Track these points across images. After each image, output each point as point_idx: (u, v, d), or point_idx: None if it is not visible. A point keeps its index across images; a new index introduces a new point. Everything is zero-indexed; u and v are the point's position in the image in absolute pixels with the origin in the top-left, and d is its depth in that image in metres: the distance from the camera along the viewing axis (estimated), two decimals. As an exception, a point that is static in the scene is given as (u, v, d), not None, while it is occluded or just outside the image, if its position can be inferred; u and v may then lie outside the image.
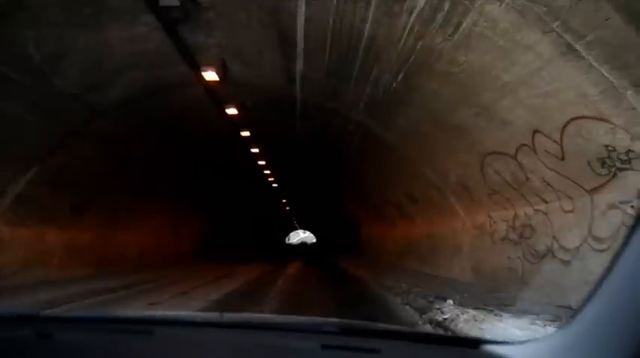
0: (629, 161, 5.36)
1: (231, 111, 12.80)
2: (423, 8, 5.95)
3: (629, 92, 4.83)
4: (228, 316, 1.67)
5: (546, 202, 7.56)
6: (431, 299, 8.46)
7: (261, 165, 20.90)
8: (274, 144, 17.09)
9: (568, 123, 5.96)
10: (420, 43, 6.84)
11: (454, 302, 7.62)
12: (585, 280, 6.00)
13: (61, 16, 7.08)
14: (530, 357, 1.04)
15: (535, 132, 6.73)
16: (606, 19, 4.35)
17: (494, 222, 9.63)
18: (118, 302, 9.41)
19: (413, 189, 13.73)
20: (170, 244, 23.32)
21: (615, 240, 5.60)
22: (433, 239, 13.90)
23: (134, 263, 18.29)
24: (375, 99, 9.89)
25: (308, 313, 5.62)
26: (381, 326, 1.57)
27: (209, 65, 9.77)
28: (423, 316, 7.24)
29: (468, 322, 6.07)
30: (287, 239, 77.69)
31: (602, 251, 5.97)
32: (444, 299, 8.14)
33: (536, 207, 7.85)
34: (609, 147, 5.52)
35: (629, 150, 5.31)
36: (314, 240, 68.65)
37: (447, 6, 5.69)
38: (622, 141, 5.30)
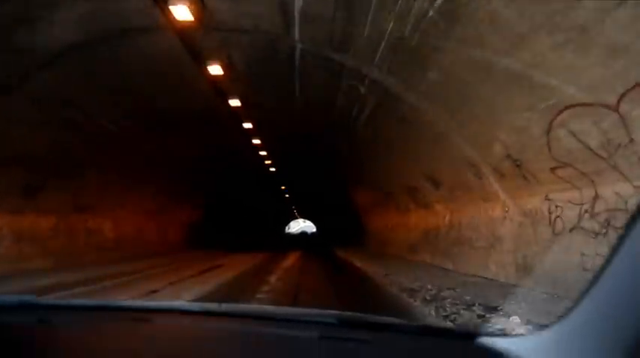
0: None
1: (215, 69, 10.29)
2: None
3: None
4: (226, 306, 1.62)
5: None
6: (479, 311, 6.05)
7: (256, 145, 18.41)
8: (270, 118, 14.60)
9: None
10: None
11: (520, 319, 5.20)
12: None
13: None
14: (528, 350, 1.01)
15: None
16: None
17: (557, 207, 7.15)
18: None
19: (436, 168, 11.25)
20: (155, 232, 20.95)
21: None
22: (458, 229, 11.46)
23: (109, 253, 15.91)
24: (399, 43, 7.38)
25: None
26: (377, 318, 1.49)
27: (178, -5, 7.30)
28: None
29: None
30: (287, 228, 75.47)
31: None
32: (500, 311, 5.74)
33: (638, 183, 5.39)
34: None
35: None
36: (314, 230, 66.84)
37: None
38: None
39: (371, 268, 12.95)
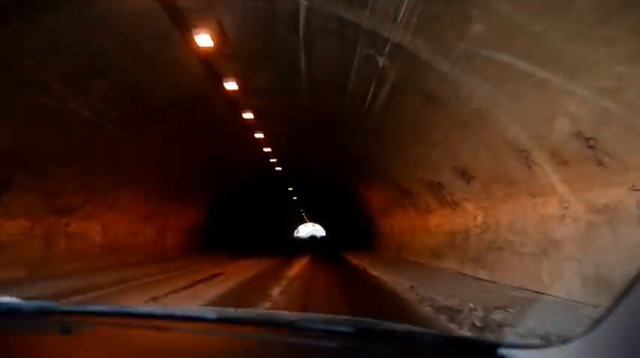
0: None
1: (203, 40, 8.47)
2: None
3: None
4: (245, 312, 1.68)
5: None
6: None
7: (259, 140, 16.58)
8: (272, 105, 12.77)
9: None
10: None
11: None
12: None
13: None
14: None
15: None
16: None
17: (653, 200, 5.25)
18: None
19: (468, 158, 9.35)
20: (151, 236, 19.17)
21: None
22: (495, 231, 9.52)
23: (94, 261, 14.15)
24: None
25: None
26: (395, 325, 1.44)
27: None
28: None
29: None
30: (296, 232, 73.65)
31: None
32: None
33: None
34: None
35: None
36: (324, 234, 65.30)
37: None
38: None
39: (390, 277, 11.02)
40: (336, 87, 10.44)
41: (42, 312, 1.56)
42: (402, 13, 6.40)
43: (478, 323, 5.42)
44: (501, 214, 9.21)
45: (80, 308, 1.88)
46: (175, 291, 9.55)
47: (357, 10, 6.83)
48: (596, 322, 0.86)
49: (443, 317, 6.04)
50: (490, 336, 4.37)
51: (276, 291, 9.86)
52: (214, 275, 13.21)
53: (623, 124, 5.08)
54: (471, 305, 6.51)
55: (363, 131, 12.70)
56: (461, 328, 5.37)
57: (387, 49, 7.50)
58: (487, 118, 7.41)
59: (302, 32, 7.92)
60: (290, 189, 31.69)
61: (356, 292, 9.55)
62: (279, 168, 22.62)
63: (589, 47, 4.77)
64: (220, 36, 8.36)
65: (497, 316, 5.73)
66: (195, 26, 8.12)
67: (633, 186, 5.47)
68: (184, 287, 10.26)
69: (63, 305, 1.76)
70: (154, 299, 8.53)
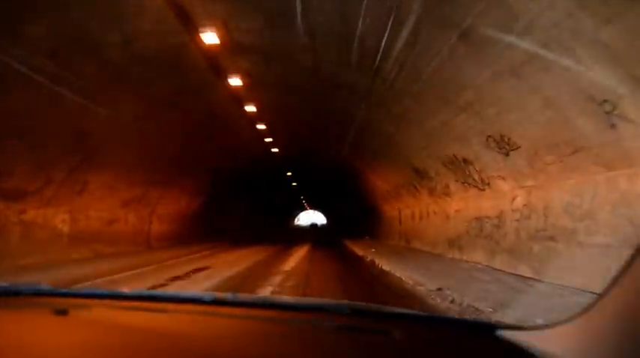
0: None
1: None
2: None
3: None
4: (241, 296, 1.63)
5: None
6: None
7: (251, 115, 14.34)
8: (263, 69, 10.55)
9: None
10: None
11: None
12: None
13: None
14: (548, 343, 0.97)
15: None
16: None
17: None
18: None
19: (514, 122, 7.10)
20: (134, 224, 17.04)
21: None
22: (543, 216, 7.34)
23: (60, 253, 12.05)
24: None
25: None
26: (392, 308, 1.46)
27: None
28: None
29: None
30: (296, 220, 71.64)
31: None
32: None
33: None
34: None
35: None
36: (325, 222, 63.70)
37: None
38: None
39: (406, 274, 8.86)
40: (340, 39, 8.22)
41: (38, 295, 1.57)
42: None
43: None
44: (554, 194, 7.02)
45: (76, 291, 1.85)
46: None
47: None
48: (592, 303, 0.86)
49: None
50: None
51: (267, 291, 7.77)
52: (198, 270, 11.17)
53: None
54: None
55: (371, 97, 10.47)
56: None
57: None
58: (553, 56, 5.20)
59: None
60: (289, 174, 29.49)
61: (369, 296, 7.33)
62: (276, 150, 20.39)
63: None
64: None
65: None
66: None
67: None
68: (153, 287, 8.17)
69: (59, 288, 1.72)
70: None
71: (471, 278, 7.64)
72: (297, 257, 15.25)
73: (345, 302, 1.49)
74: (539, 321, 4.43)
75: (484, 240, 9.74)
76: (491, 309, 5.16)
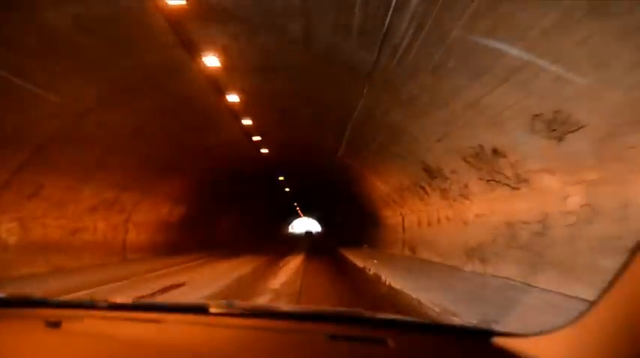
0: None
1: None
2: None
3: None
4: (238, 304, 1.59)
5: None
6: None
7: (233, 107, 12.30)
8: (244, 41, 8.56)
9: None
10: None
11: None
12: None
13: None
14: (544, 350, 0.96)
15: None
16: None
17: None
18: None
19: (586, 91, 5.14)
20: (104, 233, 14.89)
21: None
22: (617, 219, 5.37)
23: (4, 268, 9.94)
24: None
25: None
26: (388, 315, 1.42)
27: None
28: None
29: None
30: (290, 228, 69.46)
31: None
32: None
33: None
34: None
35: None
36: (320, 229, 61.79)
37: None
38: None
39: (425, 294, 6.78)
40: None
41: (30, 305, 1.53)
42: None
43: None
44: (637, 188, 5.04)
45: (69, 302, 1.77)
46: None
47: None
48: (587, 309, 0.85)
49: None
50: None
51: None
52: (171, 287, 9.25)
53: None
54: None
55: (375, 76, 8.48)
56: None
57: None
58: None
59: None
60: (281, 178, 27.43)
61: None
62: (266, 151, 18.35)
63: None
64: None
65: None
66: None
67: None
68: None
69: (51, 298, 1.65)
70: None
71: (519, 304, 5.62)
72: (288, 270, 13.19)
73: (340, 309, 1.55)
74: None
75: (518, 251, 7.73)
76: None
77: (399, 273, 9.85)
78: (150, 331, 1.31)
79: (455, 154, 9.05)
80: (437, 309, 5.67)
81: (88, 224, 13.82)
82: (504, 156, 7.39)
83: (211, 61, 9.23)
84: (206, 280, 10.85)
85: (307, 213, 60.70)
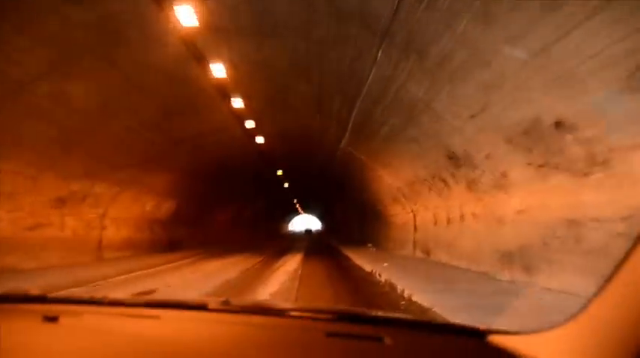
0: None
1: None
2: None
3: None
4: (235, 301, 1.53)
5: None
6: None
7: (221, 84, 10.30)
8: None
9: None
10: None
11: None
12: None
13: None
14: (539, 348, 0.96)
15: None
16: None
17: None
18: None
19: None
20: (74, 230, 12.91)
21: None
22: None
23: None
24: None
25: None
26: (385, 313, 1.46)
27: None
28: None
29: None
30: (290, 225, 67.47)
31: None
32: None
33: None
34: None
35: None
36: (320, 227, 60.06)
37: None
38: None
39: (468, 317, 4.85)
40: None
41: (27, 301, 1.51)
42: None
43: None
44: None
45: (66, 297, 1.76)
46: None
47: None
48: (584, 307, 0.85)
49: None
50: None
51: None
52: (139, 295, 7.31)
53: None
54: None
55: (394, 32, 6.48)
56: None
57: None
58: None
59: None
60: (279, 173, 25.44)
61: None
62: (261, 140, 16.35)
63: None
64: None
65: None
66: None
67: None
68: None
69: (50, 294, 1.61)
70: None
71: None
72: (284, 272, 11.23)
73: (337, 307, 1.59)
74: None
75: (585, 258, 5.74)
76: None
77: (419, 282, 7.86)
78: (148, 327, 1.30)
79: (493, 134, 7.05)
80: None
81: (52, 218, 11.83)
82: (573, 130, 5.40)
83: (186, 15, 7.24)
84: (182, 286, 9.00)
85: (307, 210, 58.76)
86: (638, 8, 3.81)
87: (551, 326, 0.94)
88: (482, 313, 5.05)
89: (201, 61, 8.96)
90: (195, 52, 8.56)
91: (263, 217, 37.44)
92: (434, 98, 7.52)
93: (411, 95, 8.06)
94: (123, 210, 15.39)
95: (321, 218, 56.94)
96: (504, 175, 7.56)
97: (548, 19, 4.53)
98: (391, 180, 14.35)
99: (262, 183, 26.65)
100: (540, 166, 6.49)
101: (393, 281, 8.24)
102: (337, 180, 21.86)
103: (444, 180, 10.25)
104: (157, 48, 8.22)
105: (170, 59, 8.68)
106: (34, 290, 1.56)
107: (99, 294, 1.60)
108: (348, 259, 14.84)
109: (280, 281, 9.80)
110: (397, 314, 1.39)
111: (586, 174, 5.60)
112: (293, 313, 1.42)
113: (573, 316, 0.88)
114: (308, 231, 62.03)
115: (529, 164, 6.74)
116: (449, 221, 11.06)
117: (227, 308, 1.45)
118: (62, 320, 1.30)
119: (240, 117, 13.07)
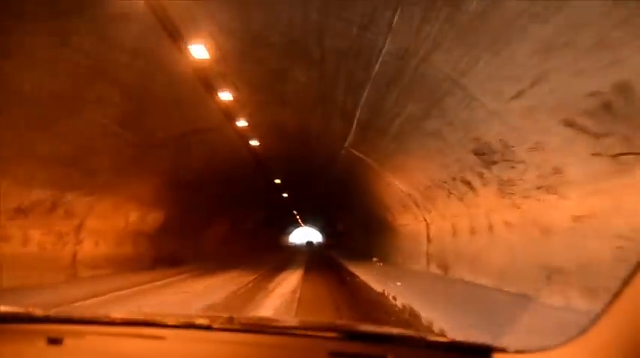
0: None
1: None
2: None
3: None
4: (239, 318, 1.53)
5: None
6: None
7: (204, 67, 8.68)
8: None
9: None
10: None
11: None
12: None
13: None
14: None
15: None
16: None
17: None
18: None
19: None
20: (41, 244, 11.19)
21: None
22: None
23: None
24: None
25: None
26: (388, 330, 1.41)
27: None
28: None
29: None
30: (290, 237, 65.56)
31: None
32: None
33: None
34: None
35: None
36: (322, 239, 58.27)
37: None
38: None
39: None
40: None
41: (31, 321, 1.47)
42: None
43: None
44: None
45: (70, 317, 1.67)
46: None
47: None
48: (588, 326, 0.83)
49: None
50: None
51: None
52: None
53: None
54: None
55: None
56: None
57: None
58: None
59: None
60: (277, 181, 23.76)
61: None
62: (256, 143, 14.70)
63: None
64: None
65: None
66: None
67: None
68: None
69: (52, 312, 1.58)
70: None
71: None
72: (280, 294, 9.50)
73: (341, 323, 1.55)
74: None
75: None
76: None
77: (449, 308, 6.13)
78: (152, 347, 1.32)
79: (547, 115, 5.38)
80: None
81: (12, 232, 10.14)
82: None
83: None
84: (165, 310, 7.34)
85: (308, 222, 56.95)
86: None
87: (557, 345, 0.91)
88: None
89: (177, 38, 7.33)
90: (167, 25, 6.93)
91: (262, 229, 35.69)
92: (466, 72, 5.84)
93: (434, 72, 6.40)
94: (102, 221, 13.69)
95: (322, 230, 55.16)
96: (558, 171, 5.88)
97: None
98: (400, 185, 12.65)
99: (261, 193, 24.95)
100: (614, 156, 4.81)
101: (415, 308, 6.50)
102: (340, 188, 20.16)
103: (467, 183, 8.56)
104: (123, 24, 6.59)
105: (139, 36, 7.04)
106: (38, 310, 1.47)
107: (102, 314, 1.53)
108: (353, 276, 13.08)
109: (278, 302, 8.17)
110: (400, 331, 1.35)
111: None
112: (297, 331, 1.40)
113: (578, 334, 0.86)
114: (309, 243, 60.35)
115: (596, 154, 5.06)
116: (472, 231, 9.35)
117: (231, 327, 1.44)
118: (66, 341, 1.29)
119: (228, 114, 11.42)
